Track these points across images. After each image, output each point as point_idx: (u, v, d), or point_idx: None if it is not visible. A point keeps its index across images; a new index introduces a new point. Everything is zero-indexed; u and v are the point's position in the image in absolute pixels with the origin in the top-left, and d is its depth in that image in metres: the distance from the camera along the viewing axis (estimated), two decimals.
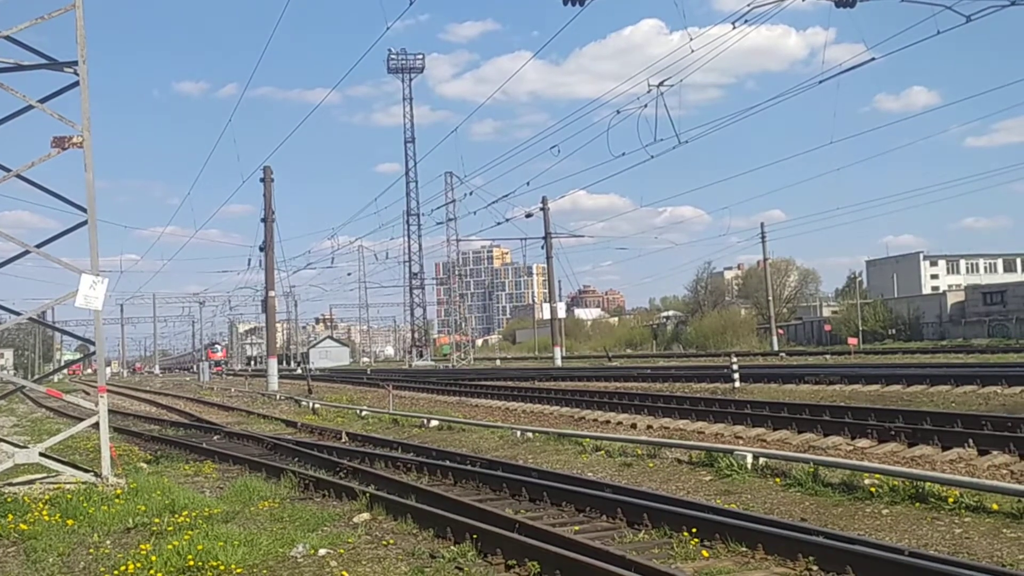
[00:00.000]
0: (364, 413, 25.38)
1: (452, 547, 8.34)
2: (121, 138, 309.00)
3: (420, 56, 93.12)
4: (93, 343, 13.33)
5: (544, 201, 59.15)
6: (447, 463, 13.67)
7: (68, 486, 12.08)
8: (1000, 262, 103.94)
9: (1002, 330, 57.99)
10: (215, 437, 21.70)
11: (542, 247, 60.68)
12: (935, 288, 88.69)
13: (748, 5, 21.62)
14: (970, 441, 13.14)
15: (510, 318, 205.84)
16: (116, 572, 7.68)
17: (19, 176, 13.01)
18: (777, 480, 11.12)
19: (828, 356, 43.38)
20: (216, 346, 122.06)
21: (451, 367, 68.79)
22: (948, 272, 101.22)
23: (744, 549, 7.80)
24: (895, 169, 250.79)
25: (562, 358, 60.15)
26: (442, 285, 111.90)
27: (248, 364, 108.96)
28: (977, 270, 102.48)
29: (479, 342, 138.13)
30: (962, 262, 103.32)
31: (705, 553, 7.82)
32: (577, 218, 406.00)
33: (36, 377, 61.71)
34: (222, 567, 7.71)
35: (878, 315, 68.42)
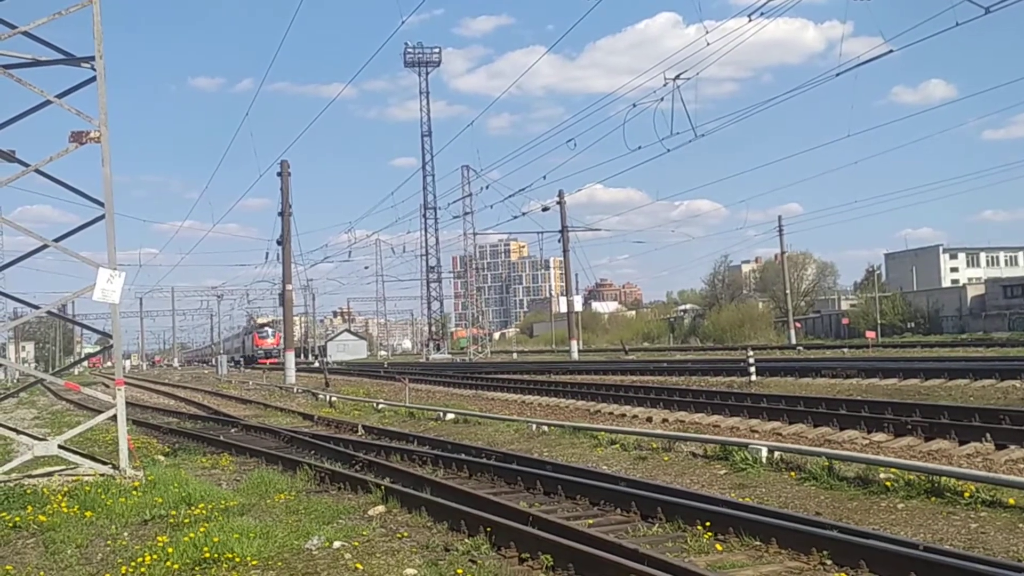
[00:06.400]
0: (380, 406, 25.47)
1: (466, 540, 8.37)
2: (139, 133, 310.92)
3: (436, 50, 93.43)
4: (111, 336, 13.43)
5: (560, 195, 58.95)
6: (462, 456, 13.72)
7: (86, 478, 12.18)
8: (1021, 255, 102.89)
9: (1023, 323, 57.50)
10: (232, 430, 21.82)
11: (559, 241, 60.44)
12: (955, 281, 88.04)
13: None
14: (988, 435, 13.06)
15: (527, 311, 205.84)
16: (133, 563, 7.75)
17: (38, 171, 13.11)
18: (792, 474, 11.11)
19: (846, 349, 43.10)
20: (266, 329, 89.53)
21: (468, 360, 68.86)
22: (968, 265, 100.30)
23: (758, 543, 7.79)
24: (913, 162, 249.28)
25: (579, 351, 60.01)
26: (459, 279, 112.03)
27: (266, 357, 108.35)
28: (997, 263, 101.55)
29: (496, 335, 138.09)
30: (982, 255, 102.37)
31: (719, 547, 7.83)
32: (594, 212, 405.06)
33: (56, 370, 62.21)
34: (237, 559, 7.77)
35: (897, 308, 68.03)
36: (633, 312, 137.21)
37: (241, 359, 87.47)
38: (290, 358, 44.22)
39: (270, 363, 73.53)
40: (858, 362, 28.67)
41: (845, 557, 7.05)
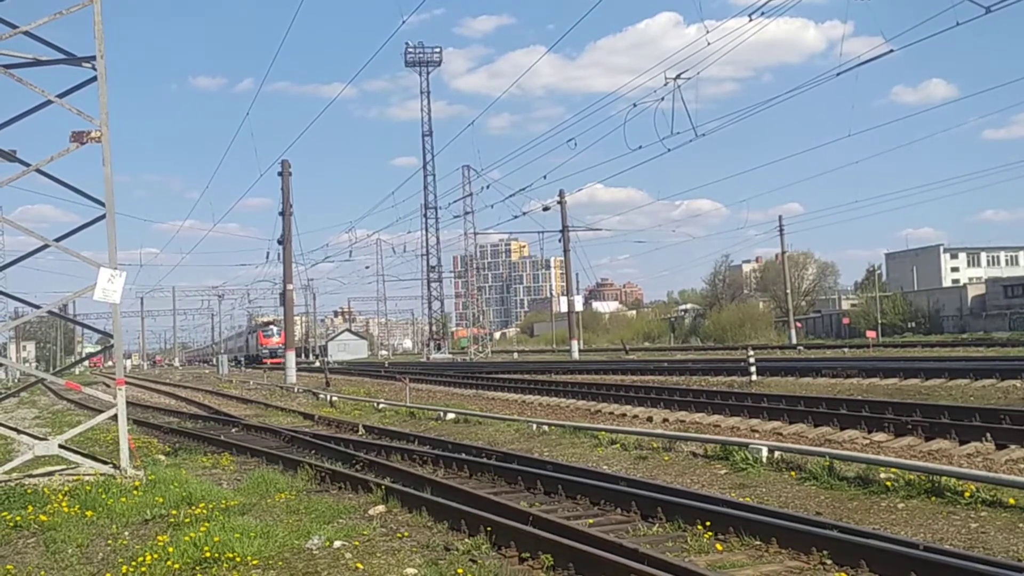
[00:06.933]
0: (381, 406, 25.48)
1: (466, 540, 8.38)
2: (140, 133, 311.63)
3: (437, 49, 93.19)
4: (112, 336, 13.43)
5: (561, 194, 58.84)
6: (463, 456, 13.73)
7: (87, 478, 12.20)
8: (1021, 255, 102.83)
9: (1023, 323, 57.44)
10: (233, 430, 21.84)
11: (559, 240, 60.33)
12: (955, 281, 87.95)
13: None
14: (988, 435, 13.05)
15: (528, 311, 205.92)
16: (134, 563, 7.76)
17: (39, 171, 13.12)
18: (792, 474, 11.11)
19: (846, 349, 43.08)
20: (271, 328, 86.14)
21: (468, 360, 68.83)
22: (969, 265, 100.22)
23: (758, 543, 7.80)
24: (913, 162, 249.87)
25: (579, 351, 59.95)
26: (460, 278, 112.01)
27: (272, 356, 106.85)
28: (998, 263, 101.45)
29: (497, 335, 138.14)
30: (983, 255, 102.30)
31: (719, 546, 7.83)
32: (594, 211, 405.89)
33: (57, 369, 62.23)
34: (238, 559, 7.77)
35: (897, 308, 67.92)
36: (634, 312, 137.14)
37: (243, 359, 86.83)
38: (291, 358, 44.22)
39: (275, 363, 68.63)
40: (859, 362, 28.65)
41: (845, 557, 7.06)
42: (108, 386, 37.17)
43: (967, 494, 9.08)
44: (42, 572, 7.96)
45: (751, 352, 26.38)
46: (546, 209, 58.80)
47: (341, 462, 13.86)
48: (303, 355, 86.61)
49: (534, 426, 17.63)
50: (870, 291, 76.36)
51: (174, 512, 10.00)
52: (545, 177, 52.36)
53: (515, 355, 75.26)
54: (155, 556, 7.85)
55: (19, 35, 12.66)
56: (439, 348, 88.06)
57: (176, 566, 7.64)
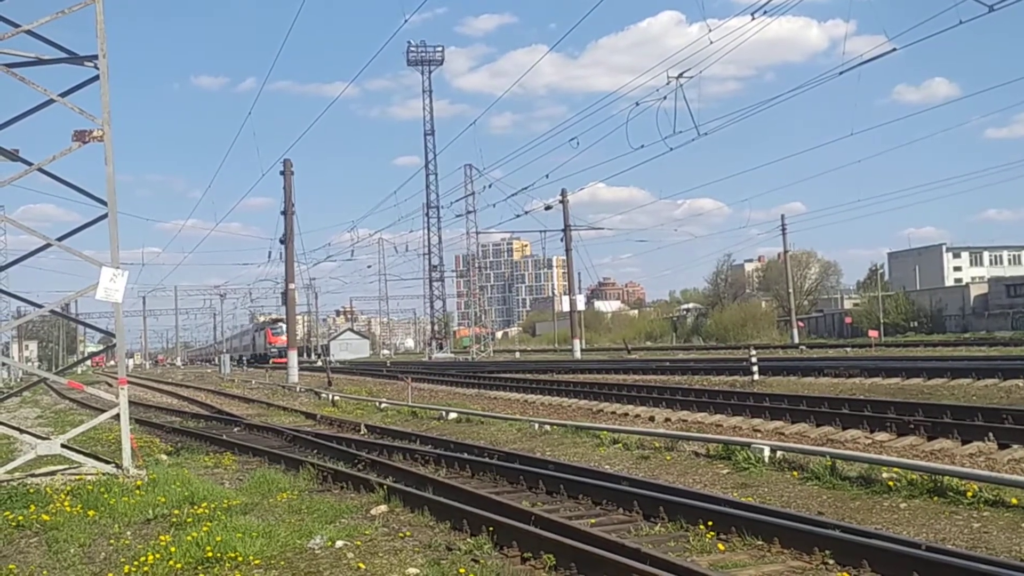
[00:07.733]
0: (383, 405, 25.48)
1: (468, 539, 8.38)
2: (142, 132, 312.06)
3: (440, 48, 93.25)
4: (114, 335, 13.44)
5: (563, 193, 58.80)
6: (465, 455, 13.72)
7: (89, 477, 12.21)
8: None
9: None
10: (235, 429, 21.84)
11: (561, 239, 60.31)
12: (958, 280, 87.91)
13: None
14: (990, 435, 13.02)
15: (530, 310, 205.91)
16: (136, 563, 7.76)
17: (41, 170, 13.14)
18: (795, 473, 11.10)
19: (849, 349, 43.08)
20: (279, 325, 79.58)
21: (471, 360, 68.82)
22: (971, 264, 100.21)
23: (760, 542, 7.79)
24: (916, 161, 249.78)
25: (581, 351, 59.93)
26: (462, 278, 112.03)
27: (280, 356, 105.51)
28: (1001, 262, 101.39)
29: (499, 334, 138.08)
30: (985, 254, 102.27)
31: (721, 546, 7.82)
32: (596, 210, 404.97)
33: (59, 369, 62.26)
34: (240, 558, 7.77)
35: (900, 307, 67.82)
36: (636, 311, 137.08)
37: (249, 358, 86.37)
38: (293, 357, 44.28)
39: (283, 362, 62.03)
40: (861, 361, 28.60)
41: (847, 557, 7.05)
42: (110, 385, 37.20)
43: (970, 494, 9.06)
44: (44, 572, 7.96)
45: (753, 352, 26.37)
46: (548, 208, 58.90)
47: (343, 462, 13.86)
48: (305, 354, 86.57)
49: (536, 425, 17.62)
50: (872, 290, 76.24)
51: (176, 512, 10.00)
52: (547, 176, 53.04)
53: (517, 354, 75.22)
54: (157, 556, 7.86)
55: (21, 34, 12.67)
56: (441, 347, 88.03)
57: (178, 566, 7.65)
